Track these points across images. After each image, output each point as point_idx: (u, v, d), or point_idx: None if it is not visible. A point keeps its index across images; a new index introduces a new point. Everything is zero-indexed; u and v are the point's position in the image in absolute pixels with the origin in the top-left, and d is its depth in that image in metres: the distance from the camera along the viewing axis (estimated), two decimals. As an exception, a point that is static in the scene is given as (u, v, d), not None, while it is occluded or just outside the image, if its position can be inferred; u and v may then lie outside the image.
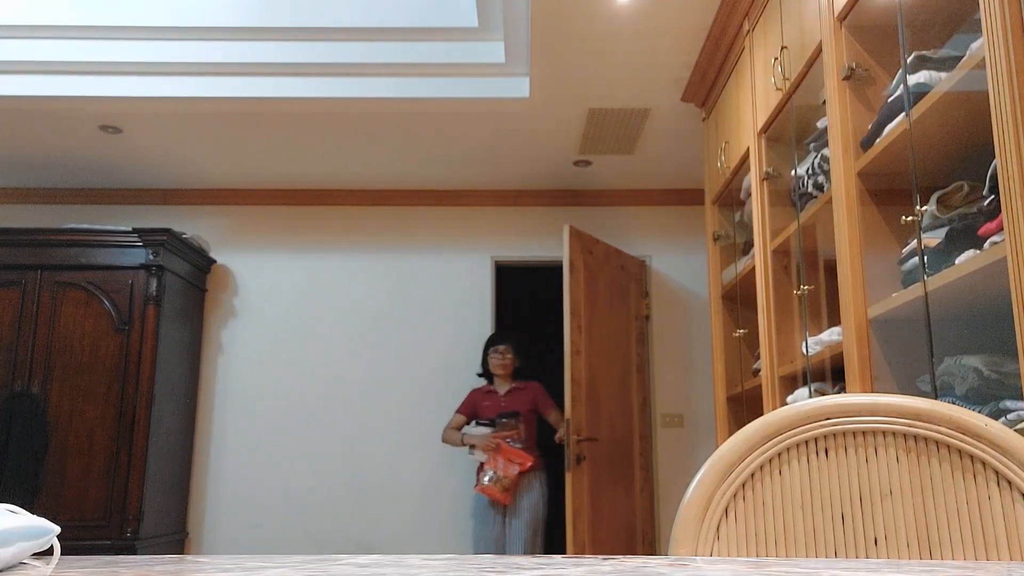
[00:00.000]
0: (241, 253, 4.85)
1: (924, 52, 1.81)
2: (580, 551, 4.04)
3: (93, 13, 3.56)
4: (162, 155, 4.38)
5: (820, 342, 2.32)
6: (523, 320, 5.77)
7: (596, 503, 4.13)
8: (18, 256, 4.16)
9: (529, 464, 3.93)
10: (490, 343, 4.28)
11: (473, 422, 4.13)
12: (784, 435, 0.93)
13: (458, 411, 4.22)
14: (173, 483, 4.34)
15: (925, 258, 1.77)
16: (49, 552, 0.69)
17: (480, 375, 4.34)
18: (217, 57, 3.61)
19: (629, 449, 4.47)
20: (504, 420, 4.04)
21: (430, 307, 4.79)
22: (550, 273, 4.92)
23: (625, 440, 4.45)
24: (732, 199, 3.40)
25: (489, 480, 3.91)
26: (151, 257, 4.15)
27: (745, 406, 3.18)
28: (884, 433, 0.91)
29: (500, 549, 3.94)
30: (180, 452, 4.44)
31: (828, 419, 0.93)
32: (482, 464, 3.99)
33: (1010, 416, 1.52)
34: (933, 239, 1.77)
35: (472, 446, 4.02)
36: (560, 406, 4.11)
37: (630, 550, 4.38)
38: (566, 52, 3.29)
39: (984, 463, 0.87)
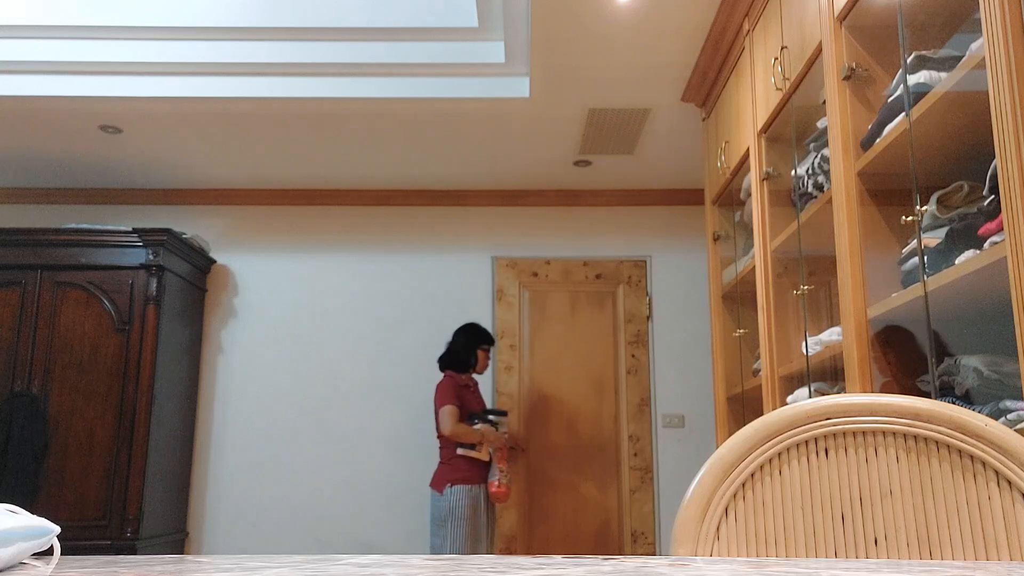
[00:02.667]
0: (241, 253, 4.85)
1: (924, 52, 1.81)
2: (507, 547, 4.48)
3: (93, 13, 3.56)
4: (162, 155, 4.38)
5: (820, 342, 2.32)
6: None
7: (538, 503, 4.56)
8: (18, 256, 4.16)
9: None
10: (485, 339, 4.10)
11: (476, 417, 3.93)
12: (784, 435, 0.93)
13: (449, 402, 3.91)
14: (173, 483, 4.34)
15: (925, 258, 1.77)
16: (49, 552, 0.69)
17: (448, 365, 4.06)
18: (217, 57, 3.61)
19: (612, 450, 4.63)
20: (502, 417, 3.99)
21: (430, 307, 4.79)
22: (550, 273, 4.97)
23: (601, 442, 4.64)
24: (732, 199, 3.40)
25: (506, 479, 3.85)
26: (151, 257, 4.15)
27: (745, 406, 3.18)
28: (884, 433, 0.91)
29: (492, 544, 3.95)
30: (180, 452, 4.44)
31: (828, 419, 0.93)
32: (490, 462, 3.88)
33: (1010, 416, 1.52)
34: (933, 239, 1.77)
35: (479, 443, 3.87)
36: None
37: (601, 548, 4.46)
38: (566, 52, 3.29)
39: (984, 463, 0.87)
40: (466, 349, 4.06)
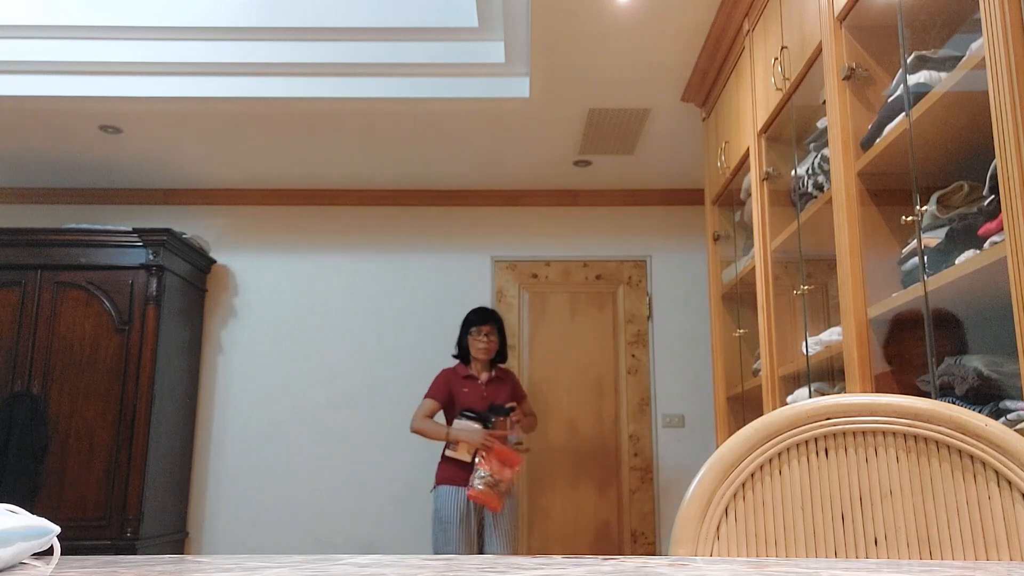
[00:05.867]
0: (241, 253, 4.85)
1: (924, 52, 1.81)
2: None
3: (93, 13, 3.56)
4: (162, 155, 4.38)
5: (820, 342, 2.32)
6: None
7: (538, 503, 4.58)
8: (18, 256, 4.16)
9: (519, 466, 3.62)
10: (471, 323, 3.81)
11: (460, 414, 3.67)
12: (784, 435, 0.93)
13: (429, 396, 3.71)
14: (173, 483, 4.34)
15: (925, 258, 1.77)
16: (49, 552, 0.69)
17: (457, 357, 3.88)
18: (217, 57, 3.61)
19: (611, 450, 4.64)
20: (499, 415, 3.67)
21: (430, 307, 4.79)
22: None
23: (601, 442, 4.65)
24: (732, 199, 3.40)
25: (483, 483, 3.48)
26: (151, 257, 4.15)
27: (745, 406, 3.18)
28: (884, 433, 0.91)
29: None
30: (180, 452, 4.43)
31: (828, 419, 0.93)
32: (473, 464, 3.57)
33: (1010, 416, 1.52)
34: (933, 239, 1.77)
35: (455, 443, 3.61)
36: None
37: (601, 548, 4.47)
38: (566, 52, 3.29)
39: (984, 463, 0.87)
40: (461, 338, 3.87)
